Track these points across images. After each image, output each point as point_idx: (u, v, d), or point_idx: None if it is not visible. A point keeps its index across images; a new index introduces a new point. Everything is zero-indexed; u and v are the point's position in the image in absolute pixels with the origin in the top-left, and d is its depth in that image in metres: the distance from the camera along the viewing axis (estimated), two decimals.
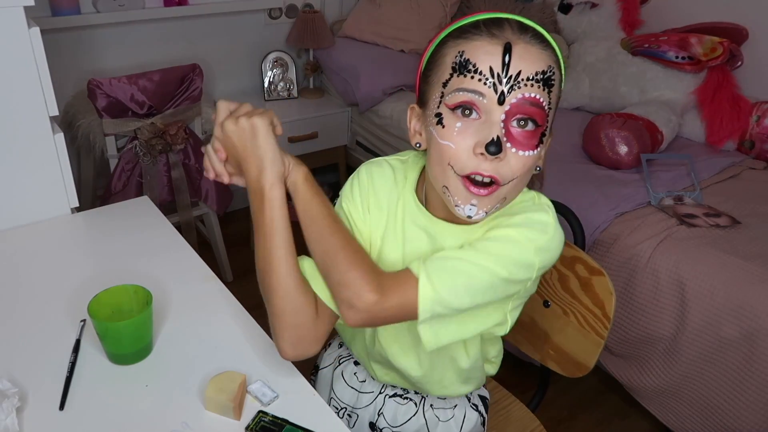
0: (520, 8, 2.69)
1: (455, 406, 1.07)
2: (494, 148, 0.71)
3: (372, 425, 1.09)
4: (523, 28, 0.75)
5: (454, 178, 0.76)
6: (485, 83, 0.72)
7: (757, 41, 2.24)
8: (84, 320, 0.98)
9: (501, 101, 0.72)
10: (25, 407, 0.83)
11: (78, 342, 0.94)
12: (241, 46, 2.69)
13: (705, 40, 2.18)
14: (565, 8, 2.65)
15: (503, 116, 0.73)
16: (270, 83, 2.69)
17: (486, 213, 0.77)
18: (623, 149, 2.01)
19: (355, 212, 0.93)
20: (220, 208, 2.26)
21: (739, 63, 2.22)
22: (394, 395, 1.07)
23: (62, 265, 1.13)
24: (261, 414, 0.84)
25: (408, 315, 0.78)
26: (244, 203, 2.89)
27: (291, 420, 0.83)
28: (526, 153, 0.74)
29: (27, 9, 1.11)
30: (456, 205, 0.77)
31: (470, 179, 0.75)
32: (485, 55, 0.72)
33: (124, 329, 0.88)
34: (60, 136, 1.23)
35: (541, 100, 0.73)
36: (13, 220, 1.23)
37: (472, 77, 0.72)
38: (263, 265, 0.82)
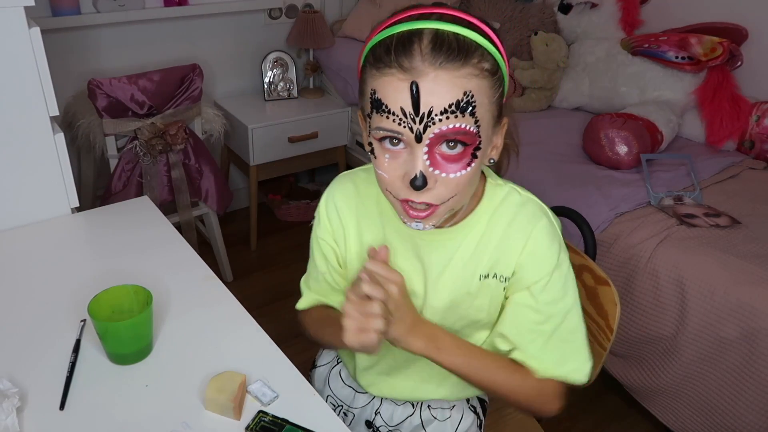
0: (520, 8, 2.69)
1: (453, 407, 1.07)
2: (419, 183, 0.73)
3: (368, 423, 1.09)
4: (437, 47, 0.70)
5: (395, 201, 0.79)
6: (399, 123, 0.72)
7: (756, 41, 2.24)
8: (84, 320, 0.98)
9: (419, 140, 0.72)
10: (26, 407, 0.84)
11: (78, 342, 0.94)
12: (241, 46, 2.69)
13: (705, 40, 2.18)
14: (565, 8, 2.65)
15: (425, 149, 0.73)
16: (270, 83, 2.69)
17: (434, 226, 0.80)
18: (623, 149, 2.01)
19: (329, 238, 0.98)
20: (220, 208, 2.26)
21: (739, 63, 2.22)
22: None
23: (62, 265, 1.13)
24: (261, 414, 0.84)
25: None
26: (244, 203, 2.91)
27: (291, 420, 0.83)
28: (458, 174, 0.74)
29: (27, 9, 1.11)
30: (405, 222, 0.80)
31: (408, 204, 0.77)
32: (394, 93, 0.71)
33: (124, 329, 0.88)
34: (60, 136, 1.23)
35: (464, 126, 0.71)
36: (14, 220, 1.23)
37: (387, 117, 0.72)
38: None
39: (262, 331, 0.99)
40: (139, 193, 2.02)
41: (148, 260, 1.15)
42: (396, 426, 1.07)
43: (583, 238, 1.19)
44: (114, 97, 1.89)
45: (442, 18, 0.72)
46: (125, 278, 0.97)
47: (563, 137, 2.26)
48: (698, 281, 1.57)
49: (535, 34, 2.54)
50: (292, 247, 2.63)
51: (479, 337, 0.96)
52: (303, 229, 2.73)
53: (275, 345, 0.97)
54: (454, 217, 0.86)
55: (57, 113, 1.21)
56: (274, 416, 0.83)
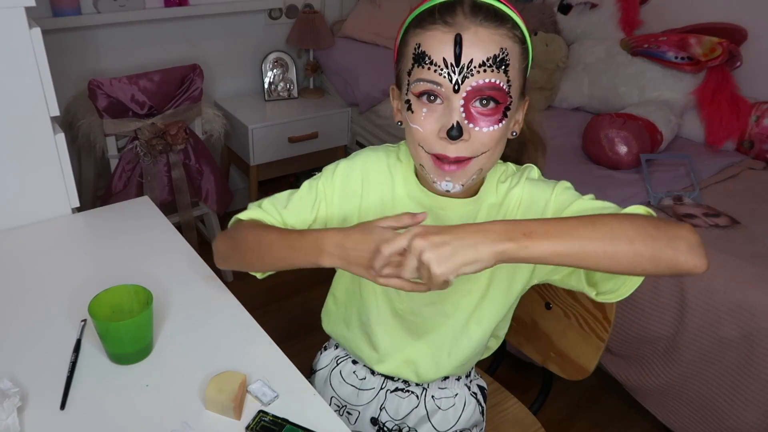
0: (520, 8, 2.69)
1: (456, 395, 1.08)
2: (455, 132, 0.77)
3: (374, 420, 1.10)
4: (476, 9, 0.77)
5: (426, 157, 0.82)
6: (440, 74, 0.77)
7: (756, 42, 2.24)
8: (85, 320, 0.98)
9: (456, 90, 0.77)
10: (26, 407, 0.84)
11: (79, 342, 0.94)
12: (242, 47, 2.69)
13: (704, 41, 2.19)
14: (565, 8, 2.65)
15: (462, 101, 0.77)
16: (270, 83, 2.69)
17: (462, 185, 0.83)
18: (623, 149, 2.01)
19: (330, 194, 0.96)
20: (220, 208, 2.26)
21: (739, 63, 2.23)
22: (396, 390, 1.08)
23: (63, 265, 1.14)
24: (261, 414, 0.84)
25: None
26: (245, 203, 2.90)
27: (291, 420, 0.83)
28: (491, 128, 0.79)
29: (28, 10, 1.12)
30: (433, 182, 0.84)
31: (439, 158, 0.81)
32: (438, 45, 0.76)
33: (125, 329, 0.89)
34: (61, 137, 1.24)
35: (498, 82, 0.77)
36: (14, 220, 1.23)
37: (429, 68, 0.77)
38: (262, 252, 0.89)
39: (263, 330, 0.99)
40: (140, 193, 2.03)
41: (148, 260, 1.15)
42: (402, 419, 1.08)
43: None
44: (114, 98, 1.89)
45: None
46: (125, 278, 0.97)
47: (563, 137, 2.26)
48: (697, 281, 1.57)
49: (535, 34, 2.55)
50: None
51: (469, 300, 0.96)
52: None
53: (275, 345, 0.97)
54: (474, 187, 0.89)
55: (57, 113, 1.21)
56: (274, 416, 0.84)
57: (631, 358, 1.74)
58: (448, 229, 0.71)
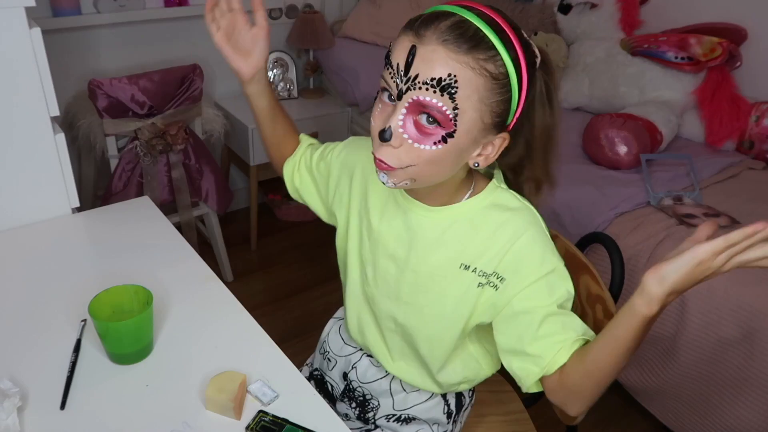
0: (520, 9, 2.69)
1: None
2: (386, 134, 0.78)
3: (344, 375, 1.14)
4: (452, 29, 0.74)
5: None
6: (392, 77, 0.78)
7: (756, 42, 2.24)
8: (85, 320, 0.98)
9: (399, 97, 0.78)
10: (26, 407, 0.84)
11: (79, 342, 0.94)
12: None
13: (704, 41, 2.19)
14: (565, 8, 2.65)
15: (404, 110, 0.78)
16: (270, 83, 2.69)
17: (395, 184, 0.83)
18: (623, 149, 2.01)
19: (327, 168, 1.06)
20: (220, 208, 2.26)
21: (738, 63, 2.23)
22: (371, 356, 1.11)
23: (63, 265, 1.14)
24: (261, 414, 0.84)
25: None
26: (245, 203, 2.91)
27: (291, 420, 0.83)
28: (422, 146, 0.78)
29: (28, 9, 1.11)
30: (377, 171, 0.85)
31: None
32: (399, 51, 0.78)
33: (125, 329, 0.89)
34: (61, 137, 1.24)
35: (440, 104, 0.75)
36: (14, 220, 1.23)
37: (387, 69, 0.80)
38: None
39: (263, 330, 0.99)
40: (140, 193, 2.03)
41: (148, 260, 1.15)
42: (367, 384, 1.11)
43: (611, 266, 1.13)
44: (114, 98, 1.89)
45: (480, 15, 0.76)
46: (126, 278, 0.97)
47: (563, 137, 2.23)
48: None
49: (535, 34, 2.55)
50: (293, 247, 2.63)
51: (433, 328, 0.96)
52: (303, 229, 2.73)
53: (275, 345, 0.97)
54: (441, 197, 0.90)
55: (57, 113, 1.21)
56: (274, 416, 0.84)
57: (631, 358, 1.74)
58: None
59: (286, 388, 0.88)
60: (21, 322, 0.99)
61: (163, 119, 1.99)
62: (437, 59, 0.74)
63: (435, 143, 0.78)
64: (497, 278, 0.88)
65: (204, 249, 2.39)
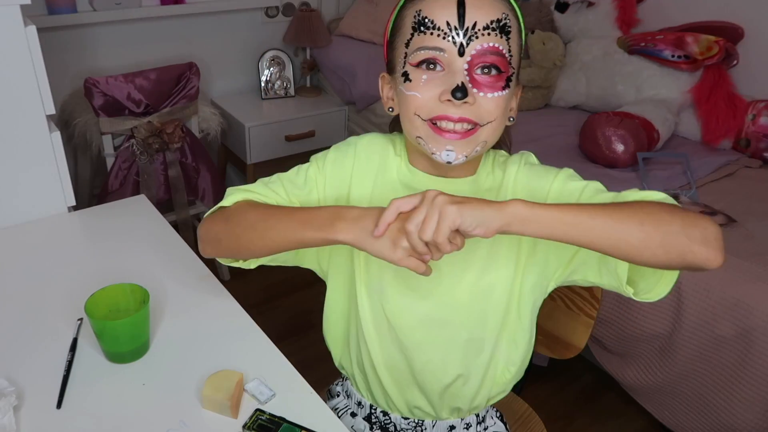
0: None
1: (483, 416, 1.02)
2: (460, 93, 0.73)
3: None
4: None
5: (423, 126, 0.78)
6: (444, 38, 0.74)
7: (752, 40, 2.25)
8: (81, 319, 0.98)
9: (461, 53, 0.74)
10: (23, 406, 0.83)
11: (75, 341, 0.94)
12: (238, 45, 2.68)
13: (701, 39, 2.19)
14: (562, 7, 2.65)
15: (466, 66, 0.75)
16: (267, 82, 2.69)
17: (466, 157, 0.77)
18: (620, 148, 2.01)
19: (322, 182, 0.90)
20: None
21: (735, 62, 2.23)
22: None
23: (59, 264, 1.13)
24: (258, 412, 0.84)
25: None
26: None
27: (288, 418, 0.83)
28: (495, 94, 0.76)
29: (23, 7, 1.11)
30: (432, 153, 0.78)
31: (438, 126, 0.76)
32: (441, 9, 0.74)
33: (121, 328, 0.88)
34: (57, 135, 1.23)
35: (500, 47, 0.75)
36: (10, 219, 1.23)
37: (431, 33, 0.75)
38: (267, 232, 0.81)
39: (259, 329, 0.99)
40: (136, 192, 2.02)
41: (144, 259, 1.15)
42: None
43: None
44: (110, 96, 1.88)
45: None
46: (122, 277, 0.97)
47: (560, 136, 2.26)
48: (694, 279, 1.58)
49: (532, 32, 2.55)
50: None
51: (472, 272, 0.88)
52: None
53: (272, 343, 0.97)
54: (471, 165, 0.85)
55: (53, 112, 1.21)
56: (271, 414, 0.84)
57: (627, 356, 1.75)
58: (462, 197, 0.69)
59: (283, 387, 0.88)
60: (17, 321, 0.99)
61: (160, 117, 1.99)
62: (488, 3, 0.75)
63: (502, 88, 0.76)
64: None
65: None
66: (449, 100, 0.74)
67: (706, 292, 1.55)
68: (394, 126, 0.96)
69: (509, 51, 0.76)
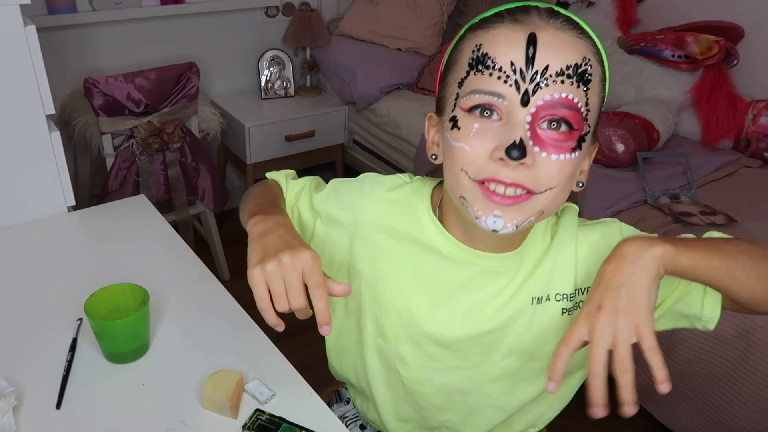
0: None
1: None
2: (517, 152, 0.60)
3: None
4: (554, 14, 0.64)
5: (470, 186, 0.65)
6: (505, 81, 0.61)
7: (752, 40, 2.25)
8: (81, 319, 0.98)
9: (525, 102, 0.61)
10: (22, 406, 0.83)
11: (75, 341, 0.94)
12: (238, 45, 2.68)
13: (701, 39, 2.19)
14: (562, 6, 2.66)
15: (529, 118, 0.62)
16: (267, 81, 2.69)
17: (516, 227, 0.65)
18: (620, 147, 2.01)
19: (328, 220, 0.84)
20: (217, 206, 2.26)
21: (735, 62, 2.23)
22: None
23: (59, 264, 1.13)
24: (258, 412, 0.84)
25: None
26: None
27: (288, 418, 0.83)
28: (561, 157, 0.63)
29: (23, 7, 1.11)
30: (476, 217, 0.65)
31: (488, 187, 0.64)
32: (506, 46, 0.62)
33: (121, 328, 0.88)
34: (56, 135, 1.23)
35: (576, 100, 0.62)
36: (10, 219, 1.23)
37: (491, 74, 0.62)
38: None
39: (259, 329, 0.99)
40: (136, 192, 2.02)
41: (144, 259, 1.15)
42: None
43: None
44: (110, 96, 1.88)
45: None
46: (122, 277, 0.97)
47: None
48: None
49: None
50: None
51: (506, 364, 0.81)
52: None
53: (272, 343, 0.97)
54: (519, 237, 0.74)
55: (53, 112, 1.20)
56: (271, 415, 0.83)
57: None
58: (599, 287, 0.63)
59: (283, 387, 0.88)
60: (17, 321, 0.98)
61: (160, 117, 1.99)
62: (564, 43, 0.61)
63: (572, 150, 0.63)
64: (582, 293, 0.76)
65: (200, 247, 2.38)
66: (502, 159, 0.61)
67: None
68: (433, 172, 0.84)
69: (586, 105, 0.63)
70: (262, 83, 2.68)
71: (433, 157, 0.73)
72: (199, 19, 2.52)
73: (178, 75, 2.00)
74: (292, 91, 2.74)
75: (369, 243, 0.81)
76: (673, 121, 2.19)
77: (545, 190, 0.64)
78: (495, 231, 0.65)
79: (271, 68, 2.69)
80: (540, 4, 0.66)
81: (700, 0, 2.39)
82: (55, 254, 1.17)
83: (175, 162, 2.08)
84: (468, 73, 0.64)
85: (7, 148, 1.18)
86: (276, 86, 2.71)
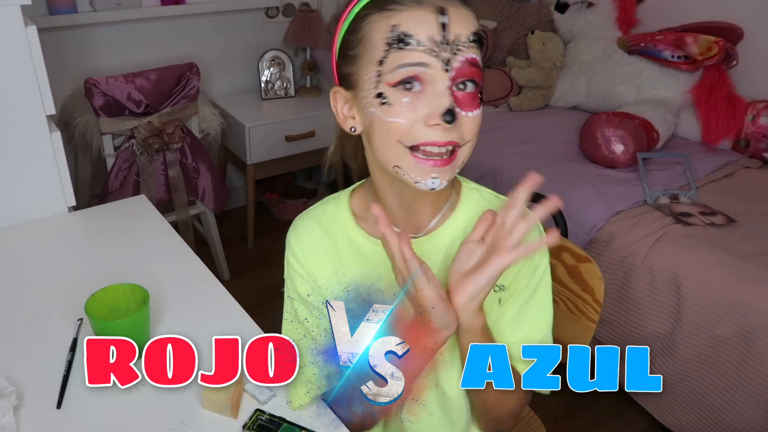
0: (517, 7, 2.69)
1: None
2: (450, 117, 0.69)
3: None
4: None
5: (405, 154, 0.73)
6: (429, 53, 0.70)
7: (752, 41, 2.25)
8: (81, 319, 0.98)
9: (446, 69, 0.70)
10: (23, 406, 0.84)
11: (75, 341, 0.94)
12: (238, 45, 2.68)
13: (701, 40, 2.19)
14: (562, 7, 2.66)
15: (449, 83, 0.71)
16: (267, 82, 2.69)
17: (447, 181, 0.75)
18: (619, 148, 2.02)
19: (306, 276, 0.89)
20: (217, 206, 2.26)
21: (735, 62, 2.23)
22: None
23: (59, 264, 1.13)
24: (258, 412, 0.84)
25: None
26: (241, 202, 2.91)
27: (288, 418, 0.83)
28: (475, 112, 0.73)
29: (24, 8, 1.11)
30: (416, 182, 0.74)
31: (424, 152, 0.72)
32: (421, 24, 0.70)
33: (121, 328, 0.88)
34: (57, 135, 1.23)
35: (478, 59, 0.73)
36: (11, 219, 1.23)
37: (413, 49, 0.70)
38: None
39: (260, 329, 0.99)
40: (136, 192, 2.02)
41: (145, 259, 1.15)
42: None
43: (554, 221, 1.24)
44: (111, 96, 1.88)
45: None
46: (122, 277, 0.97)
47: (560, 136, 2.26)
48: (694, 279, 1.58)
49: (532, 33, 2.55)
50: None
51: None
52: None
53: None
54: (434, 215, 0.84)
55: (53, 112, 1.21)
56: (271, 414, 0.84)
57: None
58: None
59: (283, 387, 0.88)
60: (17, 321, 0.99)
61: (160, 118, 1.99)
62: (464, 17, 0.72)
63: (479, 105, 0.74)
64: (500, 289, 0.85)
65: (201, 248, 2.38)
66: (438, 124, 0.70)
67: (705, 292, 1.55)
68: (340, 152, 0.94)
69: (481, 62, 0.74)
70: (263, 84, 2.68)
71: (353, 129, 0.79)
72: (199, 19, 2.52)
73: (178, 75, 2.00)
74: (292, 91, 2.74)
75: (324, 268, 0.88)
76: (672, 121, 2.19)
77: (465, 143, 0.75)
78: (433, 189, 0.75)
79: (272, 69, 2.69)
80: None
81: (700, 1, 2.39)
82: (55, 254, 1.17)
83: (176, 162, 2.08)
84: (387, 51, 0.71)
85: (7, 148, 1.18)
86: (276, 87, 2.71)
